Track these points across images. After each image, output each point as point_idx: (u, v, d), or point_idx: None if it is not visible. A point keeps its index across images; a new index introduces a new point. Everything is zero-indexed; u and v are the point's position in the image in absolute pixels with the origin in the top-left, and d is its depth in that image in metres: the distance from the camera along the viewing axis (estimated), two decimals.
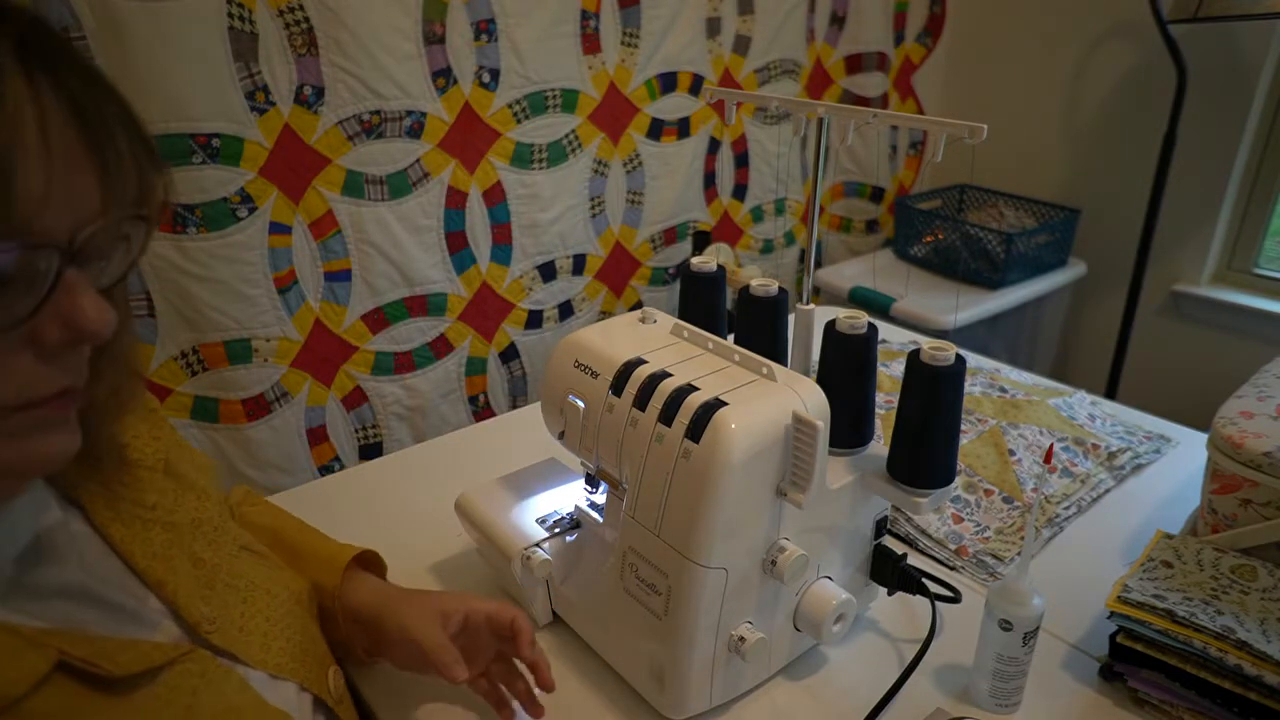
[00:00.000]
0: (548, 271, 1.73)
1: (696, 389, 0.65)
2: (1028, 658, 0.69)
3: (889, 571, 0.77)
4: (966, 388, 1.07)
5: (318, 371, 1.48)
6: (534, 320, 1.75)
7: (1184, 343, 2.01)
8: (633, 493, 0.68)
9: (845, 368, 0.72)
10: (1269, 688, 0.63)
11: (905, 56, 2.19)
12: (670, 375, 0.67)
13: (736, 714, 0.72)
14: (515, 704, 0.70)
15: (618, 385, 0.70)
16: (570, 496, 0.83)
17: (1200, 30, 1.74)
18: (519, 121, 1.57)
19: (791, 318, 0.81)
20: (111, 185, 0.41)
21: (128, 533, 0.51)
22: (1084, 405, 1.15)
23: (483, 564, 0.89)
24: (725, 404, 0.63)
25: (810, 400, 0.65)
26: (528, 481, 0.87)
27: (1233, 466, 0.76)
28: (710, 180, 1.95)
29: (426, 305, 1.57)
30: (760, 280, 0.79)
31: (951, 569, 0.89)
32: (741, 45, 1.87)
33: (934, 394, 0.67)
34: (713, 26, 1.80)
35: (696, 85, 1.82)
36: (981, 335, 1.90)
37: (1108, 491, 1.00)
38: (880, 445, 0.76)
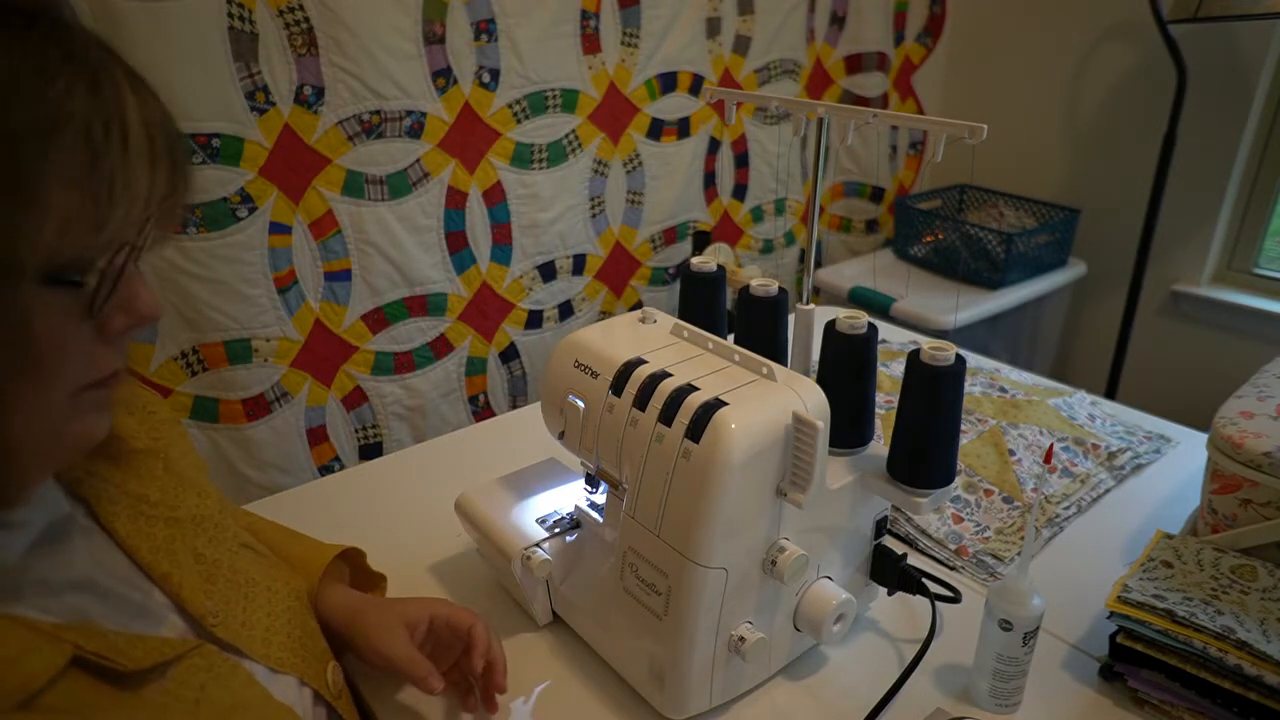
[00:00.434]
0: (548, 271, 1.73)
1: (696, 389, 0.65)
2: (1028, 658, 0.69)
3: (889, 571, 0.77)
4: (966, 388, 1.07)
5: (318, 371, 1.48)
6: (534, 320, 1.75)
7: (1184, 343, 2.01)
8: (633, 493, 0.68)
9: (845, 368, 0.72)
10: (1269, 688, 0.63)
11: (905, 56, 2.19)
12: (670, 375, 0.67)
13: (736, 714, 0.72)
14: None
15: (618, 385, 0.70)
16: (570, 496, 0.83)
17: (1200, 30, 1.74)
18: (519, 121, 1.57)
19: (791, 318, 0.81)
20: (169, 186, 0.45)
21: (132, 528, 0.52)
22: (1084, 405, 1.15)
23: (483, 564, 0.89)
24: (725, 404, 0.63)
25: (810, 400, 0.65)
26: (528, 481, 0.87)
27: (1233, 466, 0.76)
28: (710, 180, 1.95)
29: (426, 305, 1.57)
30: (760, 280, 0.79)
31: (951, 569, 0.89)
32: (741, 45, 1.87)
33: (934, 394, 0.67)
34: (713, 26, 1.80)
35: (696, 85, 1.82)
36: (981, 335, 1.90)
37: (1108, 491, 1.00)
38: (880, 445, 0.76)
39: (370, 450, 1.60)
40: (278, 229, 1.36)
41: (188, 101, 1.20)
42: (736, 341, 0.75)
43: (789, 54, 1.96)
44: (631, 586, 0.69)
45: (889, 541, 0.81)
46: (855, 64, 2.11)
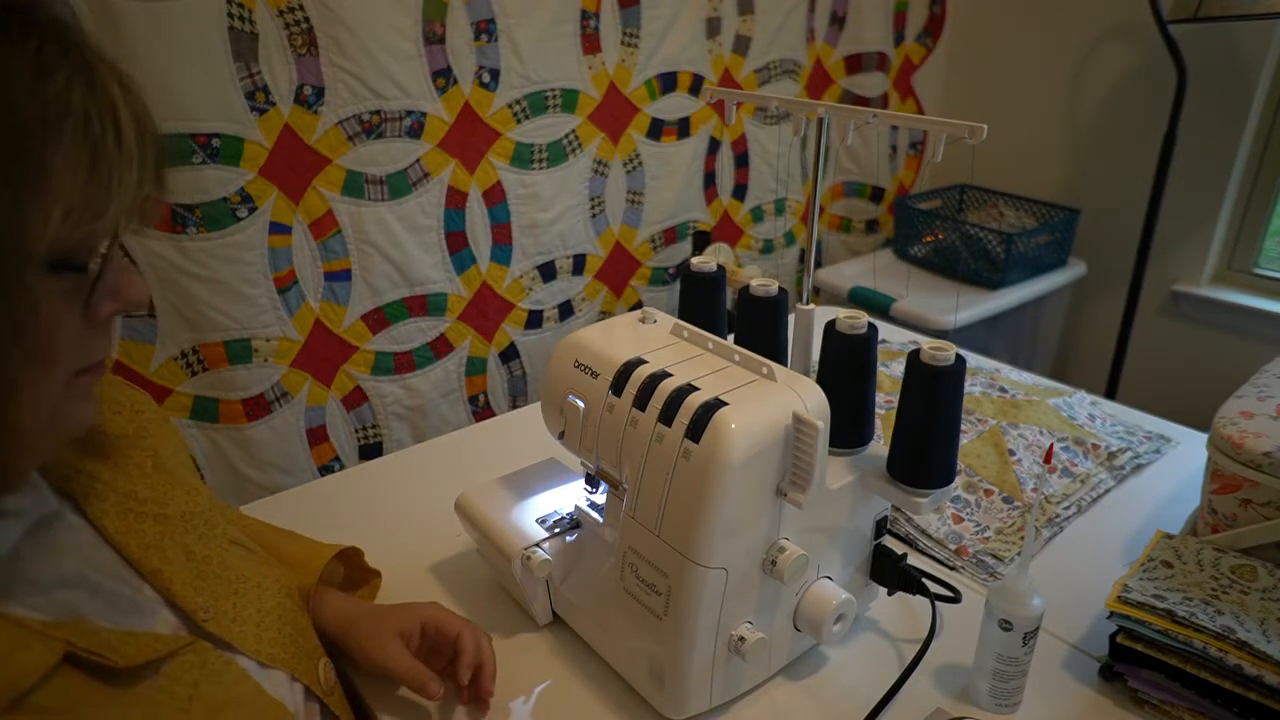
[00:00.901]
0: (548, 271, 1.73)
1: (696, 389, 0.65)
2: (1028, 658, 0.69)
3: (889, 571, 0.77)
4: (966, 388, 1.07)
5: (318, 371, 1.48)
6: (534, 320, 1.75)
7: (1184, 343, 2.01)
8: (633, 493, 0.68)
9: (845, 368, 0.72)
10: (1269, 688, 0.63)
11: (905, 56, 2.19)
12: (670, 375, 0.67)
13: (736, 714, 0.72)
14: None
15: (618, 385, 0.70)
16: (570, 496, 0.83)
17: (1200, 30, 1.74)
18: (519, 121, 1.57)
19: (791, 318, 0.81)
20: (155, 181, 0.47)
21: (121, 524, 0.52)
22: (1084, 405, 1.15)
23: (483, 564, 0.89)
24: (725, 404, 0.63)
25: (810, 400, 0.65)
26: (528, 481, 0.87)
27: (1233, 466, 0.76)
28: (710, 180, 1.95)
29: (426, 305, 1.57)
30: (760, 280, 0.79)
31: (951, 569, 0.89)
32: (741, 45, 1.87)
33: (934, 394, 0.67)
34: (713, 26, 1.80)
35: (696, 85, 1.82)
36: (981, 335, 1.90)
37: (1108, 491, 1.00)
38: (880, 445, 0.76)
39: (370, 450, 1.60)
40: (278, 229, 1.36)
41: (188, 101, 1.20)
42: (736, 341, 0.75)
43: (789, 54, 1.96)
44: (631, 586, 0.69)
45: (889, 541, 0.81)
46: (855, 64, 2.11)
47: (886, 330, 1.43)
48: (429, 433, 1.64)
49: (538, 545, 0.77)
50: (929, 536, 0.92)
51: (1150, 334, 2.03)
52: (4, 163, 0.39)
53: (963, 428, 1.05)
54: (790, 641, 0.74)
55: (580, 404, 0.73)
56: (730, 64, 1.87)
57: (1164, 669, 0.68)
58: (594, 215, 1.76)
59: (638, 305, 1.91)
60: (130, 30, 1.12)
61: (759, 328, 0.79)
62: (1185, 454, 1.07)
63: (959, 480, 0.98)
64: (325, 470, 1.54)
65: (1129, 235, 1.90)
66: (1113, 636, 0.71)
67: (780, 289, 0.78)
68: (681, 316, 0.81)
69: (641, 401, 0.67)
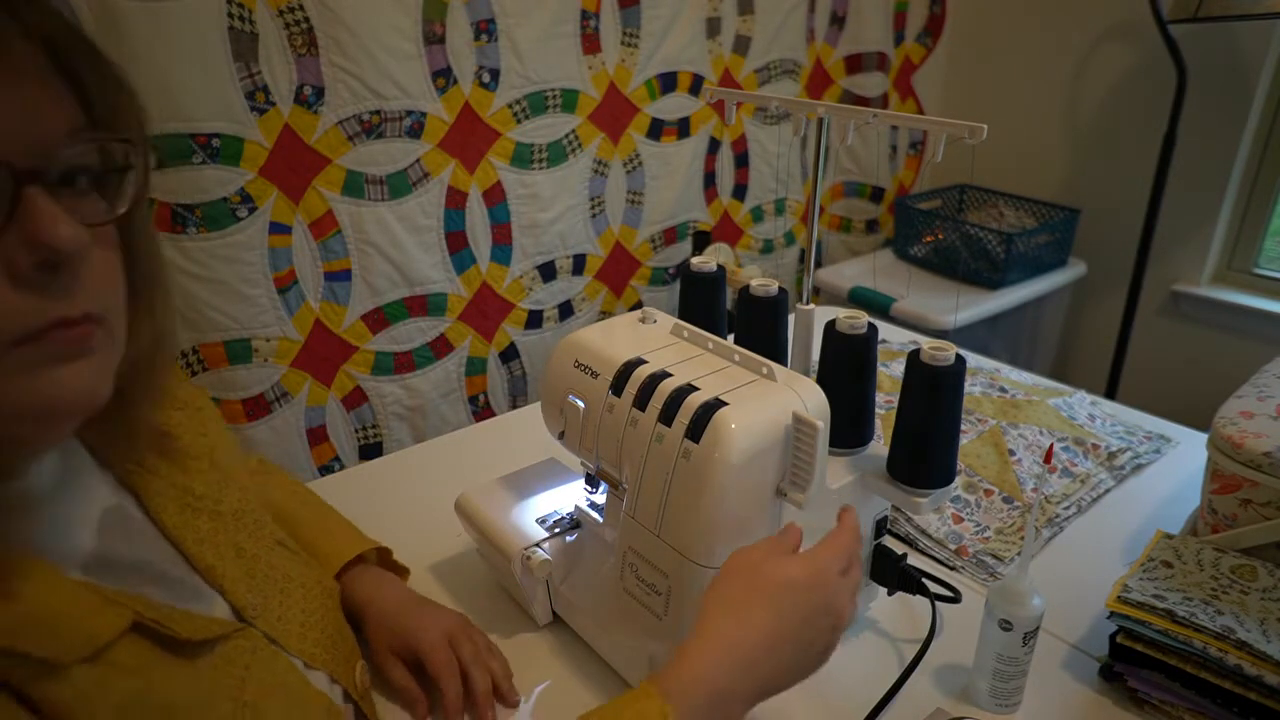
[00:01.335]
0: (548, 271, 1.73)
1: (696, 389, 0.65)
2: (1028, 658, 0.69)
3: (889, 571, 0.77)
4: (966, 388, 1.07)
5: (318, 371, 1.48)
6: (534, 320, 1.75)
7: (1184, 343, 2.01)
8: (633, 493, 0.68)
9: (845, 368, 0.72)
10: (1269, 688, 0.63)
11: (905, 56, 2.19)
12: (670, 375, 0.67)
13: None
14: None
15: (618, 385, 0.70)
16: (570, 496, 0.83)
17: (1200, 30, 1.74)
18: (519, 121, 1.57)
19: (791, 318, 0.81)
20: (83, 106, 0.41)
21: (179, 520, 0.53)
22: (1084, 405, 1.15)
23: (483, 564, 0.89)
24: (725, 404, 0.63)
25: (810, 400, 0.65)
26: (528, 481, 0.87)
27: (1233, 466, 0.76)
28: (710, 180, 1.95)
29: (426, 305, 1.57)
30: (760, 280, 0.79)
31: (951, 569, 0.89)
32: (741, 45, 1.87)
33: (934, 394, 0.67)
34: (713, 26, 1.80)
35: (696, 85, 1.82)
36: (981, 335, 1.90)
37: (1108, 491, 1.00)
38: (880, 445, 0.76)
39: (370, 450, 1.60)
40: (278, 229, 1.36)
41: (188, 101, 1.20)
42: (736, 341, 0.75)
43: (789, 54, 1.96)
44: (631, 586, 0.69)
45: (889, 541, 0.81)
46: (855, 64, 2.11)
47: (886, 330, 1.43)
48: (429, 433, 1.64)
49: (538, 545, 0.77)
50: (929, 536, 0.92)
51: (1150, 334, 2.03)
52: None
53: (963, 428, 1.05)
54: None
55: (580, 404, 0.73)
56: (730, 64, 1.87)
57: (1164, 669, 0.68)
58: (594, 215, 1.76)
59: (638, 305, 1.91)
60: (130, 30, 1.12)
61: (759, 328, 0.79)
62: (1185, 454, 1.07)
63: (959, 480, 0.98)
64: (325, 470, 1.54)
65: (1129, 235, 1.90)
66: (1113, 636, 0.71)
67: (780, 289, 0.78)
68: (681, 316, 0.81)
69: (641, 401, 0.67)
